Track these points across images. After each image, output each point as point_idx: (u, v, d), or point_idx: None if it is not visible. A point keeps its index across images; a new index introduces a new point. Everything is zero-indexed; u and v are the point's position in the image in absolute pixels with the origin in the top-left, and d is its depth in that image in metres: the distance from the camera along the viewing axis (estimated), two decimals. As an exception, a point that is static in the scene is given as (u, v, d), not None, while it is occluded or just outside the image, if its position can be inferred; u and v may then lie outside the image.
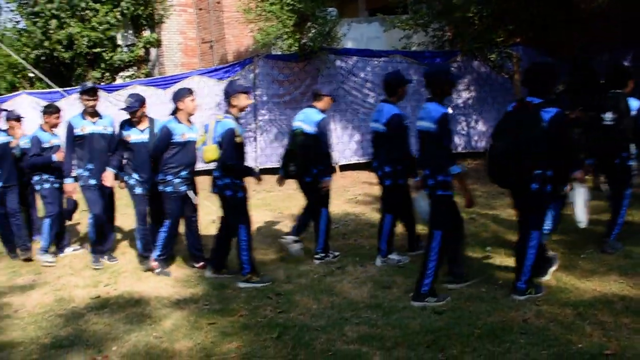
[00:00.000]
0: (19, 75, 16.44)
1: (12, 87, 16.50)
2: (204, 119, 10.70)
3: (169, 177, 5.42)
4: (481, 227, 6.65)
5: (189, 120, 5.59)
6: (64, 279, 5.79)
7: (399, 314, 4.26)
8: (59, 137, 6.60)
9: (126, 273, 5.82)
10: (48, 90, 13.12)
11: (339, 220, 7.35)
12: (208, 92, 11.05)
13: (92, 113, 6.08)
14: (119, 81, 14.13)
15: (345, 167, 11.01)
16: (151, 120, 5.94)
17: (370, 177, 6.31)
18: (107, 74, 13.92)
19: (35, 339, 4.29)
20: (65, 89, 12.36)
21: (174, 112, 5.53)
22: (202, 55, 16.66)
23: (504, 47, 10.75)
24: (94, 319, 4.60)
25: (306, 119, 5.73)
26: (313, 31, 10.33)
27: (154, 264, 5.63)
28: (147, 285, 5.37)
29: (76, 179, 6.09)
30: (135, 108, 5.77)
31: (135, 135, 5.82)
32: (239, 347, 3.88)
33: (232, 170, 5.12)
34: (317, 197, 5.75)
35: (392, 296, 4.64)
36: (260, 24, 10.20)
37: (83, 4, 13.05)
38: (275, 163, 11.34)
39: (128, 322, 4.49)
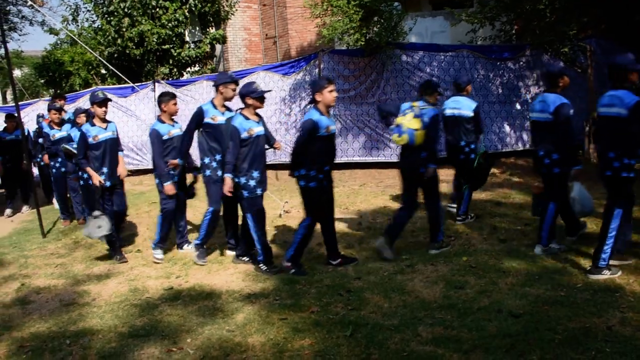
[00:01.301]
0: (92, 72, 17.15)
1: (85, 84, 17.23)
2: (270, 113, 10.88)
3: (313, 173, 5.21)
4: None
5: (328, 112, 5.31)
6: (137, 270, 5.94)
7: (474, 315, 4.14)
8: (180, 126, 6.28)
9: (196, 265, 5.90)
10: (119, 85, 13.60)
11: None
12: (273, 87, 11.12)
13: (224, 105, 5.88)
14: (185, 77, 14.46)
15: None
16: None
17: (443, 172, 6.18)
18: (175, 70, 14.26)
19: (113, 328, 4.41)
20: (137, 84, 12.77)
21: (312, 102, 5.27)
22: (266, 51, 16.86)
23: (577, 40, 10.31)
24: (168, 310, 4.70)
25: (462, 106, 6.75)
26: (378, 26, 10.22)
27: (287, 264, 5.42)
28: (218, 279, 5.44)
29: (197, 169, 6.14)
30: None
31: (256, 128, 5.41)
32: (311, 344, 3.87)
33: (436, 153, 5.68)
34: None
35: (465, 297, 4.52)
36: (325, 19, 10.17)
37: (154, 2, 13.42)
38: (337, 159, 11.32)
39: (201, 314, 4.57)
